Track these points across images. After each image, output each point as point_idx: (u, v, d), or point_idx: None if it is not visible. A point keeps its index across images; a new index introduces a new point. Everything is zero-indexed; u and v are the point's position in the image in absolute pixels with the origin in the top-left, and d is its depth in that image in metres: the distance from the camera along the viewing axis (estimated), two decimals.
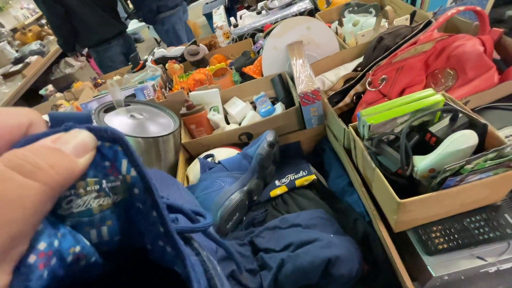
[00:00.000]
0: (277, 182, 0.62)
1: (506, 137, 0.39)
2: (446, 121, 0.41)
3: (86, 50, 1.93)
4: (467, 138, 0.36)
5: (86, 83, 1.24)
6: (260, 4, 1.24)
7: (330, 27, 0.93)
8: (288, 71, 0.78)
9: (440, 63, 0.59)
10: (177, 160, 0.69)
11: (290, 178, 0.61)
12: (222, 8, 1.34)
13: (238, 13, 1.33)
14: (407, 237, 0.43)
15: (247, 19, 1.24)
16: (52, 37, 2.64)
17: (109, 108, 0.65)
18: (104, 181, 0.15)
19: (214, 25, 1.17)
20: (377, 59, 0.62)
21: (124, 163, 0.15)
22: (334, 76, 0.73)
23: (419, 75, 0.59)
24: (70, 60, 2.38)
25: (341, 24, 0.93)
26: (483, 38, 0.56)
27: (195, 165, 0.66)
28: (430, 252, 0.41)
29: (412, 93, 0.44)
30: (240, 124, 0.78)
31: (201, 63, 1.07)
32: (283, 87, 0.77)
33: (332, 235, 0.46)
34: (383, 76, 0.58)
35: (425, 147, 0.41)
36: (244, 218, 0.57)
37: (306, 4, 1.06)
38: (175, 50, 1.15)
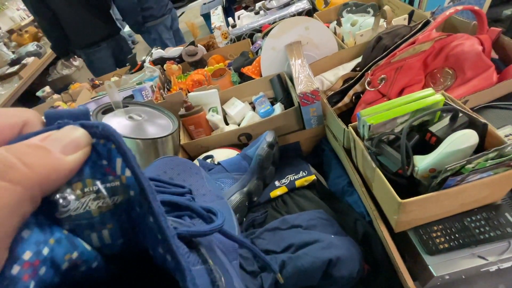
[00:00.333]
0: (277, 183, 0.61)
1: (506, 136, 0.39)
2: (446, 120, 0.41)
3: None
4: (467, 138, 0.36)
5: (83, 84, 1.23)
6: (258, 5, 1.24)
7: (328, 27, 0.93)
8: (287, 71, 0.78)
9: (439, 62, 0.59)
10: None
11: (290, 178, 0.61)
12: (220, 8, 1.34)
13: (236, 14, 1.32)
14: (408, 237, 0.43)
15: (245, 20, 1.24)
16: None
17: (107, 110, 0.65)
18: (103, 182, 0.14)
19: (212, 26, 1.16)
20: (376, 59, 0.62)
21: (119, 162, 0.14)
22: (333, 76, 0.73)
23: (418, 74, 0.59)
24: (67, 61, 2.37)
25: (339, 24, 0.93)
26: (481, 37, 0.56)
27: None
28: (431, 251, 0.41)
29: (412, 93, 0.44)
30: (239, 125, 0.78)
31: (200, 63, 1.06)
32: (282, 88, 0.77)
33: (332, 236, 0.46)
34: (382, 76, 0.58)
35: (425, 147, 0.41)
36: (244, 219, 0.57)
37: (304, 4, 1.06)
38: (173, 51, 1.15)
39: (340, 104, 0.65)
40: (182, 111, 0.76)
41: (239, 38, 1.11)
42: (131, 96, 0.89)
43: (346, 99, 0.65)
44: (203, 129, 0.77)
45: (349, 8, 0.99)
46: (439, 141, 0.39)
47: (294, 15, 1.03)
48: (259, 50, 0.96)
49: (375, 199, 0.47)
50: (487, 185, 0.37)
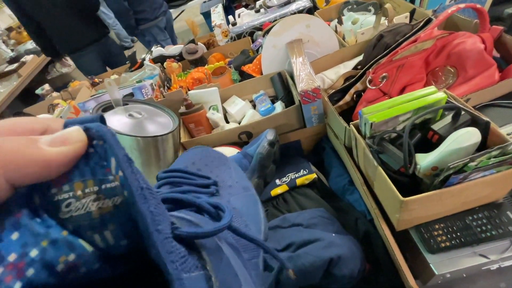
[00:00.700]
0: (277, 181, 0.61)
1: (508, 134, 0.39)
2: (448, 118, 0.41)
3: None
4: (470, 136, 0.36)
5: (83, 82, 1.23)
6: (258, 3, 1.23)
7: (329, 25, 0.92)
8: (288, 69, 0.77)
9: (441, 61, 0.58)
10: None
11: (290, 177, 0.61)
12: (220, 6, 1.34)
13: (237, 12, 1.32)
14: (409, 235, 0.43)
15: (245, 18, 1.23)
16: None
17: (107, 107, 0.64)
18: (103, 182, 0.14)
19: (213, 24, 1.16)
20: (378, 57, 0.62)
21: (113, 162, 0.14)
22: (334, 75, 0.72)
23: (420, 73, 0.59)
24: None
25: (340, 22, 0.92)
26: (483, 35, 0.56)
27: None
28: (433, 250, 0.41)
29: (414, 91, 0.44)
30: (239, 123, 0.78)
31: (200, 61, 1.06)
32: (282, 86, 0.76)
33: (333, 235, 0.46)
34: (384, 74, 0.58)
35: (428, 145, 0.40)
36: None
37: (305, 3, 1.05)
38: (173, 49, 1.14)
39: (341, 103, 0.65)
40: (182, 109, 0.76)
41: (239, 36, 1.11)
42: (131, 94, 0.89)
43: (347, 98, 0.65)
44: (203, 127, 0.77)
45: (350, 6, 0.99)
46: (441, 139, 0.39)
47: (294, 13, 1.03)
48: (260, 48, 0.96)
49: (376, 197, 0.47)
50: (489, 184, 0.37)
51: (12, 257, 0.12)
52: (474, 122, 0.40)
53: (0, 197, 0.12)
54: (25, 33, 2.62)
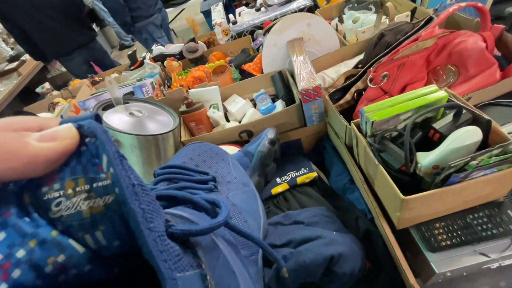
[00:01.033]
0: (278, 180, 0.61)
1: (509, 133, 0.38)
2: (449, 117, 0.41)
3: None
4: (471, 134, 0.36)
5: (83, 80, 1.23)
6: (259, 1, 1.23)
7: (330, 24, 0.92)
8: (289, 68, 0.77)
9: (442, 59, 0.58)
10: None
11: (291, 175, 0.61)
12: (220, 5, 1.33)
13: (237, 10, 1.32)
14: (410, 234, 0.43)
15: (246, 16, 1.23)
16: None
17: (108, 106, 0.64)
18: (95, 180, 0.14)
19: (213, 22, 1.16)
20: (378, 56, 0.62)
21: (105, 159, 0.13)
22: (335, 73, 0.72)
23: (421, 71, 0.59)
24: None
25: (341, 21, 0.92)
26: (484, 34, 0.56)
27: None
28: (433, 248, 0.41)
29: (415, 90, 0.44)
30: (240, 122, 0.78)
31: (200, 60, 1.06)
32: (283, 84, 0.76)
33: (334, 233, 0.46)
34: (385, 72, 0.58)
35: (429, 144, 0.40)
36: None
37: (305, 1, 1.05)
38: (174, 48, 1.14)
39: (342, 101, 0.65)
40: (182, 107, 0.76)
41: (240, 35, 1.10)
42: (132, 93, 0.89)
43: (348, 96, 0.64)
44: (204, 126, 0.77)
45: (351, 5, 0.99)
46: (442, 137, 0.39)
47: (295, 12, 1.03)
48: (260, 47, 0.96)
49: (377, 196, 0.47)
50: (491, 182, 0.37)
51: None
52: (475, 120, 0.40)
53: None
54: None
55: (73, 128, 0.13)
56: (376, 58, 0.62)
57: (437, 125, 0.41)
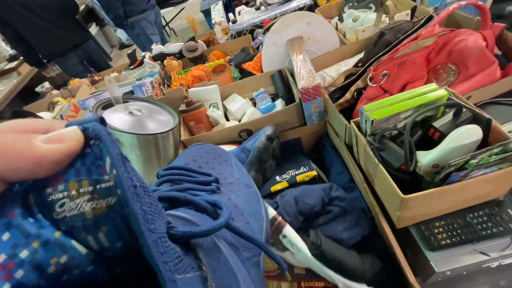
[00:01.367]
0: (277, 178, 0.61)
1: (509, 132, 0.38)
2: (449, 116, 0.41)
3: None
4: (471, 133, 0.36)
5: (83, 80, 1.22)
6: (258, 0, 1.23)
7: (330, 22, 0.92)
8: (288, 67, 0.77)
9: (442, 58, 0.58)
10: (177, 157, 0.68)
11: (291, 174, 0.61)
12: (220, 4, 1.33)
13: (237, 9, 1.31)
14: (410, 233, 0.43)
15: (245, 15, 1.23)
16: None
17: (107, 105, 0.64)
18: (98, 182, 0.14)
19: (213, 21, 1.15)
20: (378, 55, 0.62)
21: (108, 161, 0.14)
22: (335, 72, 0.72)
23: (421, 70, 0.59)
24: None
25: (341, 19, 0.92)
26: (484, 33, 0.56)
27: None
28: (433, 247, 0.41)
29: (415, 88, 0.44)
30: (240, 121, 0.78)
31: (200, 59, 1.06)
32: (283, 83, 0.76)
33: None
34: (385, 71, 0.58)
35: (429, 142, 0.40)
36: None
37: (305, 0, 1.05)
38: (173, 47, 1.14)
39: (341, 100, 0.65)
40: (182, 106, 0.76)
41: (239, 33, 1.10)
42: (131, 92, 0.89)
43: (348, 95, 0.64)
44: (203, 125, 0.77)
45: (351, 4, 0.99)
46: (442, 136, 0.39)
47: (295, 11, 1.02)
48: (260, 45, 0.96)
49: (376, 195, 0.47)
50: (490, 181, 0.37)
51: (1, 258, 0.11)
52: (475, 119, 0.40)
53: None
54: None
55: (78, 131, 0.14)
56: (376, 57, 0.62)
57: (437, 123, 0.41)
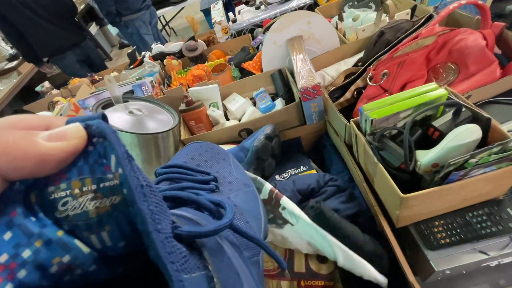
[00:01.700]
0: (277, 177, 0.61)
1: (509, 131, 0.38)
2: (449, 115, 0.41)
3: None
4: (470, 132, 0.36)
5: (83, 79, 1.22)
6: None
7: (330, 22, 0.92)
8: (288, 66, 0.77)
9: (442, 57, 0.58)
10: None
11: (290, 173, 0.61)
12: (220, 3, 1.33)
13: (237, 8, 1.31)
14: (409, 232, 0.43)
15: (245, 14, 1.23)
16: None
17: (107, 105, 0.64)
18: (102, 181, 0.14)
19: (213, 21, 1.15)
20: (378, 54, 0.62)
21: (113, 159, 0.13)
22: (335, 71, 0.72)
23: (421, 69, 0.59)
24: None
25: (341, 19, 0.92)
26: (484, 32, 0.56)
27: None
28: (432, 247, 0.41)
29: (415, 87, 0.44)
30: (240, 120, 0.78)
31: (200, 59, 1.06)
32: (283, 83, 0.76)
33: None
34: (385, 70, 0.58)
35: (428, 142, 0.40)
36: None
37: None
38: (173, 46, 1.14)
39: (341, 100, 0.65)
40: (182, 106, 0.76)
41: (239, 33, 1.10)
42: (131, 91, 0.89)
43: (348, 95, 0.64)
44: (203, 125, 0.77)
45: (351, 3, 0.99)
46: (442, 135, 0.39)
47: (295, 10, 1.02)
48: (260, 45, 0.96)
49: (376, 194, 0.47)
50: (490, 180, 0.37)
51: (3, 258, 0.11)
52: (475, 118, 0.40)
53: None
54: None
55: (81, 128, 0.13)
56: (376, 56, 0.62)
57: (436, 123, 0.41)
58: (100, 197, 0.13)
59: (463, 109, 0.40)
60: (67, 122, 0.14)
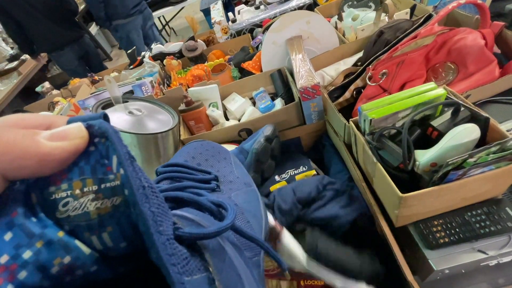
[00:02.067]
0: (277, 178, 0.61)
1: (508, 130, 0.38)
2: (448, 115, 0.41)
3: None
4: (469, 132, 0.36)
5: (83, 80, 1.23)
6: None
7: (329, 21, 0.92)
8: (288, 66, 0.77)
9: (441, 57, 0.58)
10: None
11: (290, 173, 0.61)
12: (220, 3, 1.33)
13: (236, 8, 1.31)
14: (408, 231, 0.43)
15: (245, 14, 1.23)
16: None
17: (107, 105, 0.64)
18: (103, 181, 0.13)
19: (212, 21, 1.15)
20: (378, 54, 0.62)
21: (115, 160, 0.13)
22: (334, 71, 0.72)
23: (420, 69, 0.59)
24: None
25: (340, 18, 0.92)
26: (484, 31, 0.56)
27: None
28: (431, 246, 0.41)
29: (414, 87, 0.44)
30: (239, 120, 0.78)
31: (199, 59, 1.06)
32: (282, 83, 0.76)
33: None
34: (384, 70, 0.58)
35: (427, 141, 0.40)
36: None
37: None
38: (173, 46, 1.14)
39: (341, 99, 0.65)
40: (182, 106, 0.76)
41: (239, 33, 1.10)
42: (131, 92, 0.89)
43: (347, 94, 0.64)
44: (203, 125, 0.77)
45: (350, 3, 0.99)
46: (440, 135, 0.39)
47: (294, 10, 1.02)
48: (260, 45, 0.96)
49: (375, 194, 0.47)
50: (489, 180, 0.37)
51: (4, 259, 0.11)
52: (473, 118, 0.40)
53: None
54: None
55: (83, 128, 0.13)
56: (375, 55, 0.62)
57: (435, 122, 0.41)
58: (101, 197, 0.13)
59: (462, 108, 0.40)
60: (69, 122, 0.14)
